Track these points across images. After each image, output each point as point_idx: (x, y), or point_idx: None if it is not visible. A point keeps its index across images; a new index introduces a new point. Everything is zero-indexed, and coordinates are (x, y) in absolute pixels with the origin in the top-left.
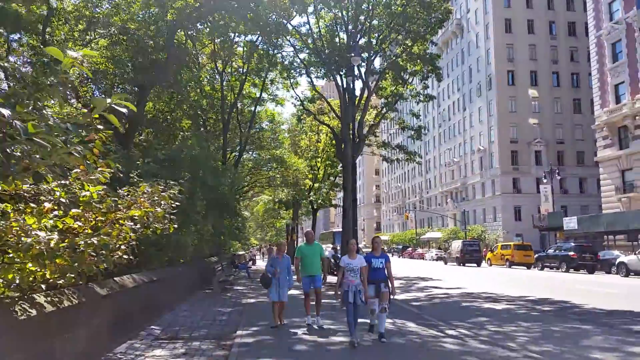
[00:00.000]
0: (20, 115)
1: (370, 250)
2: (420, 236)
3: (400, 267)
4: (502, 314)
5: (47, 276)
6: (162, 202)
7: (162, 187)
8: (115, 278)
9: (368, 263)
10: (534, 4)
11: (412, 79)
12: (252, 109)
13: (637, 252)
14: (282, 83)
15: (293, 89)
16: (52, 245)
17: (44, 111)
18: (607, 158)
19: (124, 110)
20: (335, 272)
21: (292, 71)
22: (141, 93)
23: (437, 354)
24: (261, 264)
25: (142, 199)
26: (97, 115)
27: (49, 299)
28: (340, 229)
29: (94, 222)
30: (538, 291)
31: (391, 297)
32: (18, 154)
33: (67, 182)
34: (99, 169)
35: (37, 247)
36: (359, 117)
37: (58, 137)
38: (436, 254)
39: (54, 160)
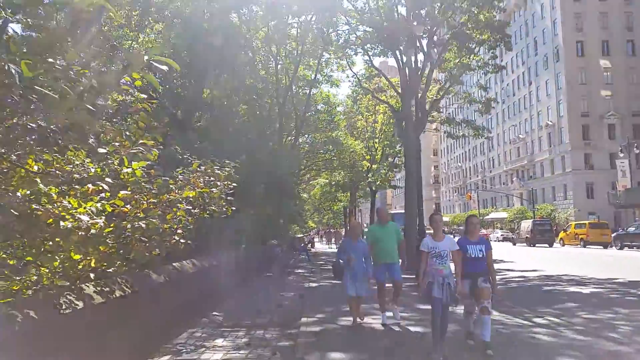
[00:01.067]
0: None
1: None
2: (484, 217)
3: None
4: (592, 299)
5: (93, 265)
6: (219, 183)
7: (218, 166)
8: (174, 264)
9: (463, 252)
10: None
11: (478, 49)
12: (307, 91)
13: None
14: (337, 64)
15: (350, 67)
16: (94, 230)
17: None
18: None
19: (165, 67)
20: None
21: (348, 49)
22: (198, 77)
23: (532, 348)
24: (319, 246)
25: (195, 178)
26: (139, 83)
27: (98, 289)
28: (400, 211)
29: (145, 205)
30: (625, 273)
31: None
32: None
33: (104, 156)
34: (141, 142)
35: (79, 233)
36: (420, 93)
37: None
38: (502, 235)
39: (61, 112)
